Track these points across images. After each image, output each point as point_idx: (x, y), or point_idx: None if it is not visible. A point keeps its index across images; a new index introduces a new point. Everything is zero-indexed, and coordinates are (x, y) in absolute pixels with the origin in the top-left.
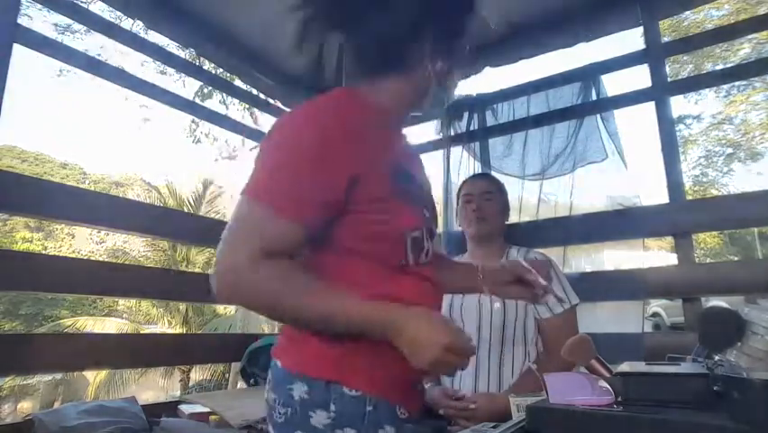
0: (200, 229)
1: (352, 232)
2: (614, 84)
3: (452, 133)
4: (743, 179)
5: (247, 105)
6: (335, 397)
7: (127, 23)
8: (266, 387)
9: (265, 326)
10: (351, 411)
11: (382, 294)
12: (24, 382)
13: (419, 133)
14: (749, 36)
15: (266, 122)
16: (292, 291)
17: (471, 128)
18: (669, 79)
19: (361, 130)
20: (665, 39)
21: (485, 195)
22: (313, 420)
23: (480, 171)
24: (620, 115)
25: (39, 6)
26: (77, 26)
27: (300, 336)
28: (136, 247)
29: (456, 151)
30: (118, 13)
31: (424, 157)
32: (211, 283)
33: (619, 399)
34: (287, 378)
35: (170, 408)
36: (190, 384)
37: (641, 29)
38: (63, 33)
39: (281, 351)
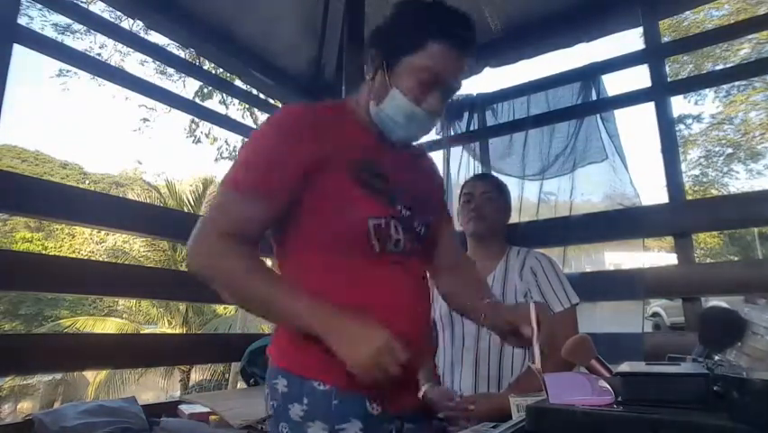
0: None
1: (315, 223)
2: (614, 84)
3: (452, 133)
4: (743, 180)
5: (247, 106)
6: (308, 391)
7: (127, 23)
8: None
9: (265, 326)
10: (320, 405)
11: (349, 285)
12: (24, 382)
13: None
14: (749, 36)
15: None
16: (243, 273)
17: (471, 128)
18: (669, 79)
19: (312, 129)
20: (665, 39)
21: (485, 194)
22: (291, 413)
23: (480, 171)
24: (620, 115)
25: (39, 6)
26: (77, 26)
27: (282, 333)
28: (136, 247)
29: (456, 151)
30: (118, 13)
31: None
32: (188, 262)
33: (619, 399)
34: (272, 373)
35: (170, 408)
36: (190, 384)
37: (641, 29)
38: (63, 33)
39: (271, 347)
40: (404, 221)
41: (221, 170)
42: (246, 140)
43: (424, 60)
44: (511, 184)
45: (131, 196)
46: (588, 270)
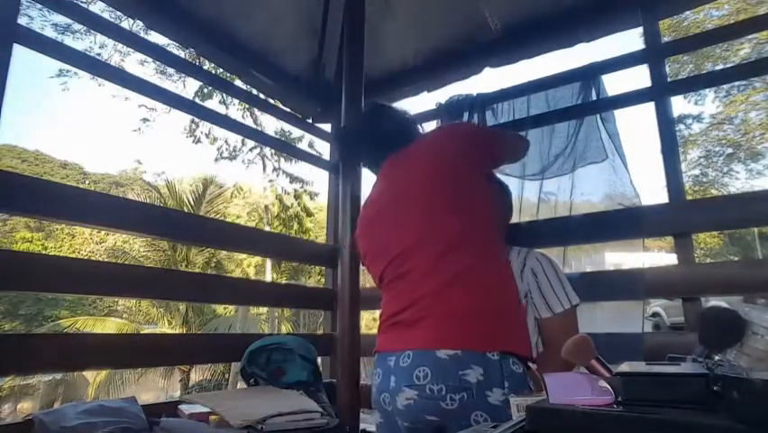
0: (200, 229)
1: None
2: (614, 84)
3: None
4: (743, 180)
5: (247, 106)
6: (508, 374)
7: (127, 23)
8: (422, 381)
9: (265, 326)
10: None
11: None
12: (24, 382)
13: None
14: (749, 36)
15: (266, 122)
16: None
17: None
18: (669, 79)
19: None
20: (665, 39)
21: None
22: (490, 399)
23: None
24: (620, 115)
25: (39, 6)
26: (77, 26)
27: (487, 314)
28: (136, 247)
29: None
30: (118, 13)
31: None
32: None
33: (619, 399)
34: (461, 362)
35: (170, 408)
36: (190, 384)
37: (641, 29)
38: (63, 33)
39: (450, 338)
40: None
41: (221, 170)
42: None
43: None
44: (511, 184)
45: (131, 196)
46: (588, 270)
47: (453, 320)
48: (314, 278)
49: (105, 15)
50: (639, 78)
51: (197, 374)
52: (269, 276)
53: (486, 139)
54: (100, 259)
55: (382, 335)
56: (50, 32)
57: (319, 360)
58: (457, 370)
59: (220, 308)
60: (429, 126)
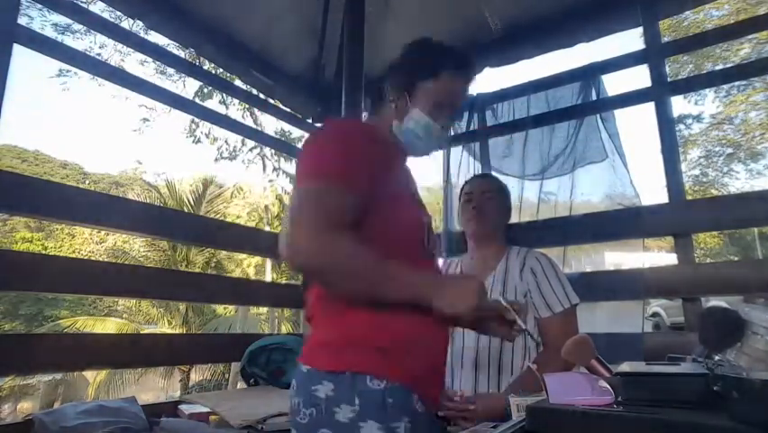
0: (200, 229)
1: (379, 223)
2: (614, 84)
3: (452, 133)
4: (743, 180)
5: (247, 105)
6: (360, 390)
7: (127, 23)
8: (292, 394)
9: (265, 326)
10: (373, 403)
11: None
12: (24, 382)
13: None
14: (749, 36)
15: (266, 122)
16: (359, 259)
17: (471, 128)
18: (669, 79)
19: (374, 141)
20: (665, 39)
21: (485, 194)
22: (338, 416)
23: (480, 171)
24: (620, 115)
25: (39, 6)
26: (77, 26)
27: (329, 336)
28: (136, 247)
29: (456, 151)
30: (118, 13)
31: (424, 157)
32: (286, 256)
33: (619, 399)
34: (312, 378)
35: (170, 408)
36: (190, 384)
37: (641, 29)
38: (63, 33)
39: (308, 354)
40: (430, 225)
41: (221, 170)
42: (308, 147)
43: (437, 86)
44: (511, 184)
45: (131, 196)
46: (588, 270)
47: (312, 338)
48: None
49: (105, 15)
50: (639, 78)
51: (197, 374)
52: (269, 276)
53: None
54: (100, 259)
55: None
56: (50, 32)
57: None
58: (310, 384)
59: (220, 308)
60: None
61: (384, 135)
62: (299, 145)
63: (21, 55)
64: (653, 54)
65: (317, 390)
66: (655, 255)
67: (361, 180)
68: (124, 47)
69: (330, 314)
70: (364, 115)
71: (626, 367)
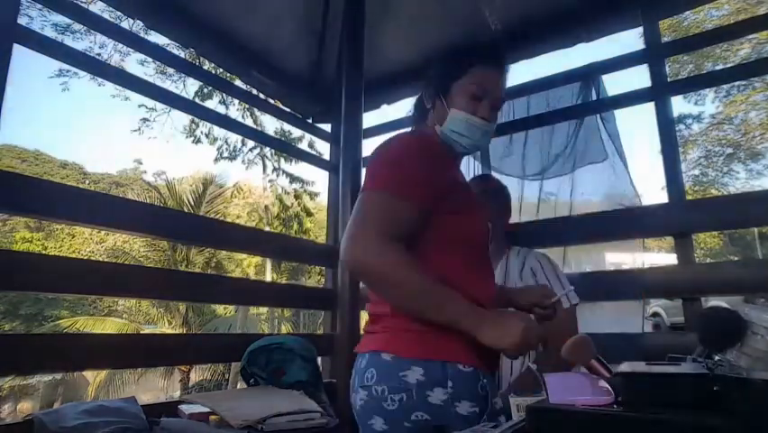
0: (200, 229)
1: (449, 228)
2: (614, 84)
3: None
4: (743, 180)
5: (247, 105)
6: (452, 374)
7: (127, 23)
8: (364, 382)
9: (265, 326)
10: (467, 385)
11: (481, 278)
12: (24, 382)
13: None
14: (749, 36)
15: (266, 122)
16: (405, 268)
17: None
18: (669, 79)
19: (438, 156)
20: (665, 39)
21: (485, 194)
22: (431, 399)
23: (480, 172)
24: (620, 115)
25: (39, 6)
26: (77, 26)
27: (407, 326)
28: (136, 247)
29: None
30: (118, 13)
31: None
32: (342, 256)
33: (619, 399)
34: (398, 366)
35: (170, 408)
36: (190, 384)
37: (641, 29)
38: (63, 33)
39: (384, 343)
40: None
41: (221, 170)
42: (381, 152)
43: (470, 81)
44: (511, 184)
45: (131, 196)
46: (588, 270)
47: (398, 326)
48: (314, 278)
49: (105, 15)
50: (639, 78)
51: (197, 374)
52: (269, 276)
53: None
54: (100, 259)
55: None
56: (50, 32)
57: (319, 360)
58: (398, 371)
59: (220, 308)
60: None
61: (441, 144)
62: (299, 145)
63: (21, 55)
64: (653, 54)
65: (406, 375)
66: (655, 255)
67: (427, 194)
68: (124, 47)
69: None
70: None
71: (626, 367)
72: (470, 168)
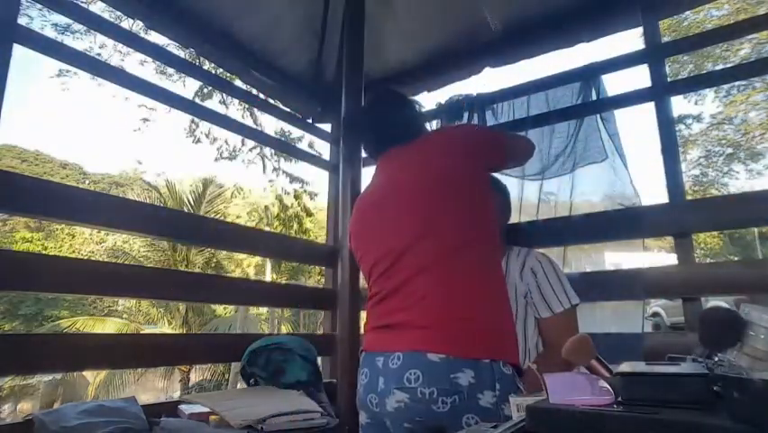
0: (200, 229)
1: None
2: (614, 84)
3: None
4: (743, 180)
5: (247, 105)
6: (498, 376)
7: (127, 23)
8: (405, 384)
9: (265, 326)
10: (509, 388)
11: None
12: (24, 382)
13: None
14: (749, 36)
15: (266, 122)
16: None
17: None
18: (669, 79)
19: None
20: (665, 39)
21: None
22: (481, 402)
23: None
24: (620, 115)
25: (39, 6)
26: (77, 26)
27: (469, 322)
28: (136, 247)
29: None
30: (118, 13)
31: None
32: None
33: (619, 399)
34: (452, 366)
35: (170, 408)
36: (190, 384)
37: (641, 29)
38: (63, 33)
39: (442, 344)
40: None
41: (221, 170)
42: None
43: None
44: (511, 184)
45: (131, 196)
46: (588, 270)
47: (445, 324)
48: (314, 278)
49: (105, 15)
50: (639, 78)
51: (197, 374)
52: (269, 276)
53: (492, 142)
54: (100, 259)
55: (370, 334)
56: (50, 32)
57: (319, 360)
58: (448, 373)
59: (220, 309)
60: (430, 127)
61: None
62: (300, 145)
63: (21, 55)
64: (653, 54)
65: (458, 377)
66: (655, 255)
67: None
68: (124, 47)
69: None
70: None
71: (626, 367)
72: None
